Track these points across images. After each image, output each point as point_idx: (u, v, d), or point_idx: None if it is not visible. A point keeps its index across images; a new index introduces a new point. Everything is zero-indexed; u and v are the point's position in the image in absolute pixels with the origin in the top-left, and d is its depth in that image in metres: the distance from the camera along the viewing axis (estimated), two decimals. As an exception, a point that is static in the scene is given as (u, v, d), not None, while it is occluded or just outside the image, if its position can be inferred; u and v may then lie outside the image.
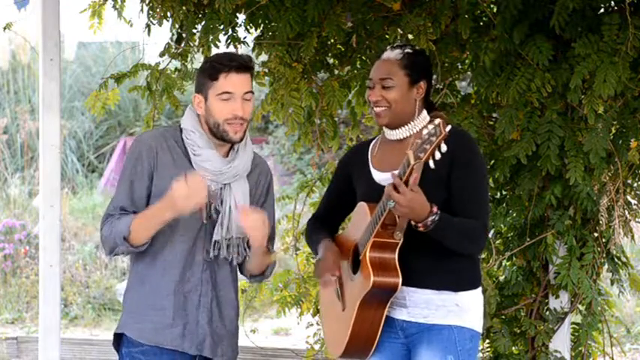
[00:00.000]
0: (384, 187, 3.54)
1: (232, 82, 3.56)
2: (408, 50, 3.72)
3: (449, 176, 3.62)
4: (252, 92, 3.60)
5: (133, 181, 3.60)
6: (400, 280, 3.58)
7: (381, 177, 3.72)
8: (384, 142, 3.79)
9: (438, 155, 3.35)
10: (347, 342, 3.70)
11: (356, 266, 3.70)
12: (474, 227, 3.61)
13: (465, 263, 3.69)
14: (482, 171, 3.69)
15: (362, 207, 3.71)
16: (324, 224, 3.94)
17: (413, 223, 3.52)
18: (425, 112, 3.74)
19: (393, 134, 3.74)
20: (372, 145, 3.85)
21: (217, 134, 3.61)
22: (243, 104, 3.58)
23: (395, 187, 3.43)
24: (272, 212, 3.80)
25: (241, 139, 3.62)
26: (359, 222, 3.71)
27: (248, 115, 3.60)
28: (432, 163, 3.37)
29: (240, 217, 3.59)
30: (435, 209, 3.48)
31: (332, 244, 3.82)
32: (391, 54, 3.71)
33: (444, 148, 3.34)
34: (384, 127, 3.78)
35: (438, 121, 3.34)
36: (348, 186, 3.86)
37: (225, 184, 3.63)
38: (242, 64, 3.58)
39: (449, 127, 3.43)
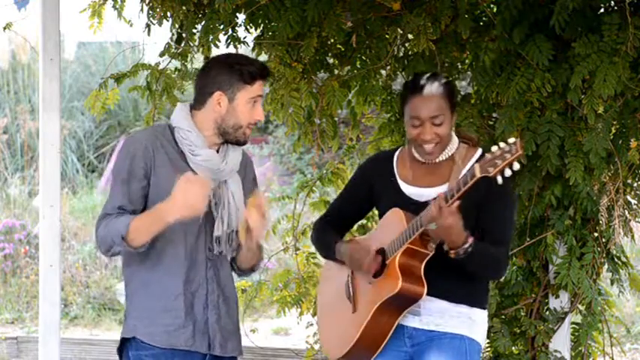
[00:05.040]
0: (414, 200, 3.63)
1: (261, 87, 3.63)
2: (443, 81, 3.69)
3: (482, 202, 3.64)
4: None
5: (130, 180, 3.57)
6: (425, 291, 3.60)
7: (411, 191, 3.74)
8: (416, 162, 3.78)
9: (508, 172, 3.37)
10: (353, 344, 3.71)
11: (381, 269, 3.71)
12: (501, 256, 3.66)
13: (481, 282, 3.76)
14: (513, 198, 3.75)
15: (397, 213, 3.70)
16: (334, 228, 3.95)
17: (445, 247, 3.56)
18: (453, 134, 3.76)
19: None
20: (396, 157, 3.84)
21: (231, 135, 3.61)
22: (261, 108, 3.65)
23: (439, 209, 3.45)
24: None
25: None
26: (389, 228, 3.71)
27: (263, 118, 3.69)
28: (500, 179, 3.38)
29: (247, 212, 3.55)
30: (470, 240, 3.52)
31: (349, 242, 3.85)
32: (432, 88, 3.66)
33: (516, 166, 3.37)
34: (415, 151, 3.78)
35: (514, 139, 3.37)
36: (367, 194, 3.87)
37: (221, 181, 3.63)
38: (269, 72, 3.67)
39: (479, 152, 3.60)
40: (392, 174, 3.81)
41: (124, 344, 3.65)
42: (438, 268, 3.61)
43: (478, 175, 3.40)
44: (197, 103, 3.65)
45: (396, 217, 3.70)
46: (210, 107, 3.61)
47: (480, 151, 3.74)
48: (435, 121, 3.65)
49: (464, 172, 3.57)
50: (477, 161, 3.57)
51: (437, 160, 3.71)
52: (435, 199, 3.50)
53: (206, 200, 3.45)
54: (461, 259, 3.55)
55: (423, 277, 3.60)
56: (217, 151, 3.64)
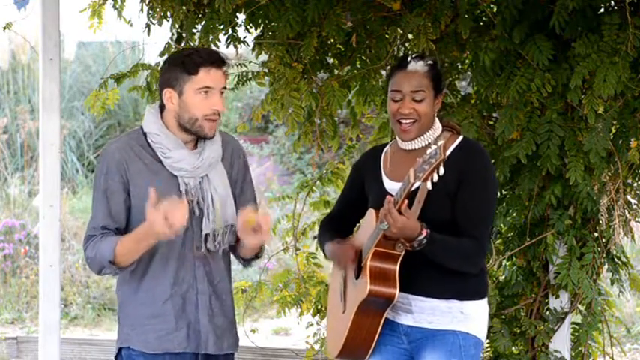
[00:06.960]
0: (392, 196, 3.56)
1: (212, 76, 3.53)
2: (430, 62, 3.68)
3: (456, 192, 3.62)
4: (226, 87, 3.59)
5: (109, 198, 3.54)
6: (397, 292, 3.59)
7: (391, 186, 3.71)
8: (397, 151, 3.77)
9: (435, 178, 3.35)
10: (343, 344, 3.73)
11: (359, 271, 3.71)
12: (469, 248, 3.62)
13: (471, 274, 3.70)
14: (490, 190, 3.68)
15: (370, 214, 3.71)
16: (337, 225, 3.95)
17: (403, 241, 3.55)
18: (437, 121, 3.74)
19: (407, 144, 3.73)
20: (385, 150, 3.84)
21: (191, 130, 3.56)
22: (220, 99, 3.55)
23: (387, 213, 3.45)
24: (252, 187, 3.75)
25: (214, 135, 3.59)
26: (366, 228, 3.71)
27: (224, 109, 3.59)
28: (429, 185, 3.37)
29: (243, 220, 3.53)
30: (424, 232, 3.50)
31: (339, 240, 3.83)
32: (417, 65, 3.66)
33: (442, 171, 3.34)
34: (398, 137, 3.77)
35: (440, 142, 3.34)
36: (361, 190, 3.86)
37: (202, 177, 3.60)
38: (221, 59, 3.55)
39: (459, 139, 3.55)
40: (378, 169, 3.80)
41: (120, 352, 3.66)
42: (422, 266, 3.60)
43: (412, 181, 3.37)
44: (161, 105, 3.62)
45: (369, 217, 3.71)
46: (167, 106, 3.57)
47: (460, 138, 3.70)
48: (415, 96, 3.64)
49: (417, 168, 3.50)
50: (453, 150, 3.61)
51: (415, 147, 3.68)
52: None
53: (182, 220, 3.38)
54: (419, 251, 3.53)
55: (397, 279, 3.58)
56: (196, 146, 3.60)
